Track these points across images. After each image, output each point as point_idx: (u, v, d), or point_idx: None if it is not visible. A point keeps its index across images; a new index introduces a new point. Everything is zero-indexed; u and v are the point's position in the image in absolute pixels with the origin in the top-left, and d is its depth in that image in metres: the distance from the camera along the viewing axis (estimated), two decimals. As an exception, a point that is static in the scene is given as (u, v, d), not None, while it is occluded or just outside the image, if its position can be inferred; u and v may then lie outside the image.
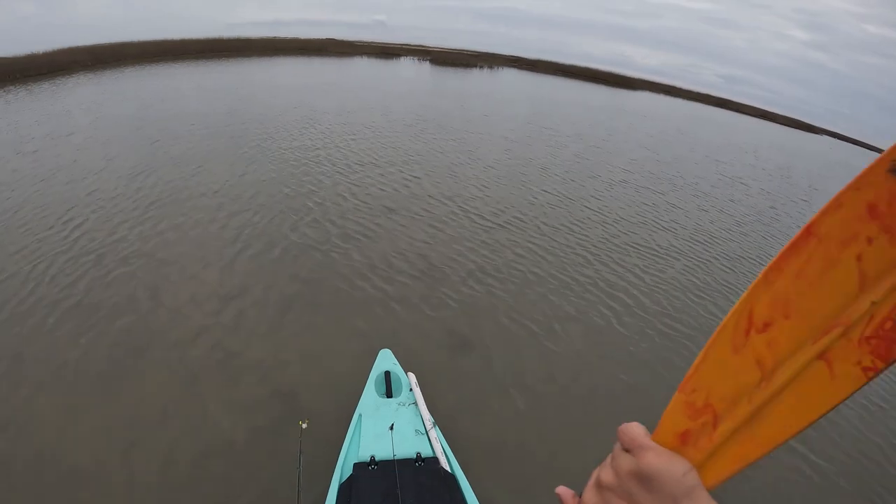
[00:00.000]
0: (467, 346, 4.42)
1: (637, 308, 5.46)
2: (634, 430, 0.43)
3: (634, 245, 7.24)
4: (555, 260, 6.30)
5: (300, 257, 5.56)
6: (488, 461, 3.22)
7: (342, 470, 2.59)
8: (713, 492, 0.40)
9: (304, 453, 2.52)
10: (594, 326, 5.03)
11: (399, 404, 3.03)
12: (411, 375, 3.27)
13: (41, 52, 16.31)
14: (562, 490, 0.49)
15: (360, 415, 2.95)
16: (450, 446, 2.84)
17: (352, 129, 11.74)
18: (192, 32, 25.24)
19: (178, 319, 4.32)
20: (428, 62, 34.44)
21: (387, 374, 3.32)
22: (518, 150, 12.12)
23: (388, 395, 3.19)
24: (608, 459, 0.45)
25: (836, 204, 0.37)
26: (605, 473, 0.44)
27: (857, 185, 0.36)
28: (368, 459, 2.53)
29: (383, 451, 2.60)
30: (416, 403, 3.04)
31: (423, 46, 43.42)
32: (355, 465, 2.51)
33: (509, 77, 32.85)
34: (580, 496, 0.47)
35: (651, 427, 0.45)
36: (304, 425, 2.58)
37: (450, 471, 2.57)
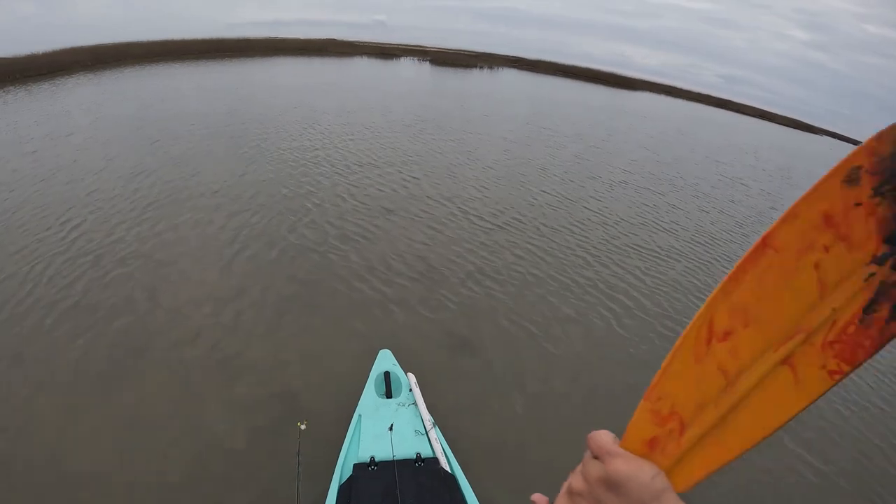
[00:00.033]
0: (467, 347, 4.42)
1: (637, 310, 5.46)
2: (602, 437, 0.45)
3: (635, 246, 7.24)
4: (554, 261, 6.30)
5: (298, 258, 5.56)
6: (488, 461, 3.22)
7: (342, 470, 2.58)
8: (685, 495, 0.41)
9: (303, 454, 2.52)
10: (594, 328, 5.02)
11: (399, 405, 3.03)
12: (411, 376, 3.27)
13: (41, 52, 16.30)
14: (536, 497, 0.50)
15: (360, 415, 2.94)
16: (450, 446, 2.84)
17: (351, 130, 11.73)
18: (192, 32, 25.23)
19: (177, 320, 4.32)
20: (428, 62, 34.43)
21: (386, 374, 3.31)
22: (518, 150, 12.12)
23: (388, 395, 3.18)
24: (579, 467, 0.46)
25: (792, 215, 0.39)
26: (575, 480, 0.46)
27: (813, 196, 0.37)
28: (368, 460, 2.53)
29: (383, 452, 2.59)
30: (415, 404, 3.04)
31: (422, 47, 43.42)
32: (355, 465, 2.50)
33: (509, 77, 32.86)
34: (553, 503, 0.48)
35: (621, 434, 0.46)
36: (303, 426, 2.58)
37: (450, 471, 2.57)
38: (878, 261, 0.34)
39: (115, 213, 6.13)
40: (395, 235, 6.38)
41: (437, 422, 2.94)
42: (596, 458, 0.44)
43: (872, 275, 0.35)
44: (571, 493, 0.45)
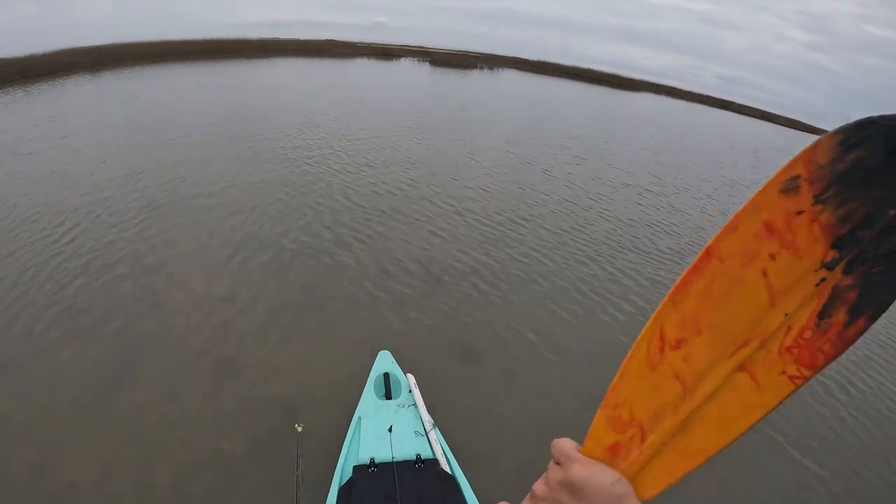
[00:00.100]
0: (467, 348, 4.39)
1: (640, 315, 5.41)
2: (564, 444, 0.46)
3: (636, 249, 7.20)
4: (555, 265, 6.26)
5: (296, 261, 5.51)
6: (489, 462, 3.19)
7: (342, 472, 2.56)
8: (651, 503, 0.42)
9: (303, 457, 2.49)
10: (596, 331, 4.99)
11: (398, 406, 3.00)
12: (410, 377, 3.24)
13: (40, 52, 16.28)
14: None
15: (360, 417, 2.92)
16: (450, 448, 2.81)
17: (350, 131, 11.70)
18: (191, 33, 25.16)
19: (172, 324, 4.27)
20: (428, 63, 34.42)
21: (386, 375, 3.29)
22: (519, 151, 12.09)
23: (388, 396, 3.16)
24: (544, 474, 0.48)
25: (732, 226, 0.39)
26: (538, 486, 0.47)
27: (752, 207, 0.38)
28: (368, 462, 2.50)
29: (383, 453, 2.57)
30: (415, 405, 3.01)
31: (422, 47, 43.35)
32: (355, 467, 2.48)
33: (510, 78, 32.86)
34: None
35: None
36: (300, 429, 2.55)
37: (450, 472, 2.54)
38: (829, 265, 0.35)
39: (111, 215, 6.08)
40: (394, 238, 6.35)
41: (437, 423, 2.91)
42: (558, 464, 0.46)
43: (823, 280, 0.35)
44: (535, 498, 0.47)
